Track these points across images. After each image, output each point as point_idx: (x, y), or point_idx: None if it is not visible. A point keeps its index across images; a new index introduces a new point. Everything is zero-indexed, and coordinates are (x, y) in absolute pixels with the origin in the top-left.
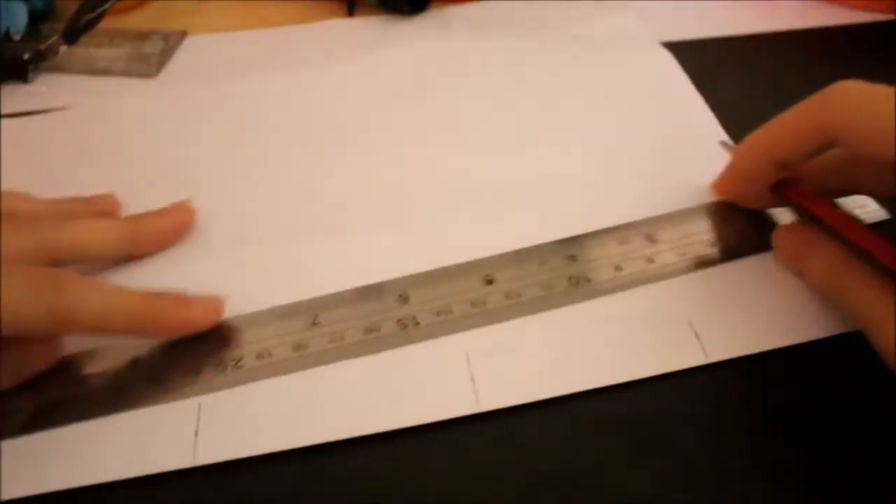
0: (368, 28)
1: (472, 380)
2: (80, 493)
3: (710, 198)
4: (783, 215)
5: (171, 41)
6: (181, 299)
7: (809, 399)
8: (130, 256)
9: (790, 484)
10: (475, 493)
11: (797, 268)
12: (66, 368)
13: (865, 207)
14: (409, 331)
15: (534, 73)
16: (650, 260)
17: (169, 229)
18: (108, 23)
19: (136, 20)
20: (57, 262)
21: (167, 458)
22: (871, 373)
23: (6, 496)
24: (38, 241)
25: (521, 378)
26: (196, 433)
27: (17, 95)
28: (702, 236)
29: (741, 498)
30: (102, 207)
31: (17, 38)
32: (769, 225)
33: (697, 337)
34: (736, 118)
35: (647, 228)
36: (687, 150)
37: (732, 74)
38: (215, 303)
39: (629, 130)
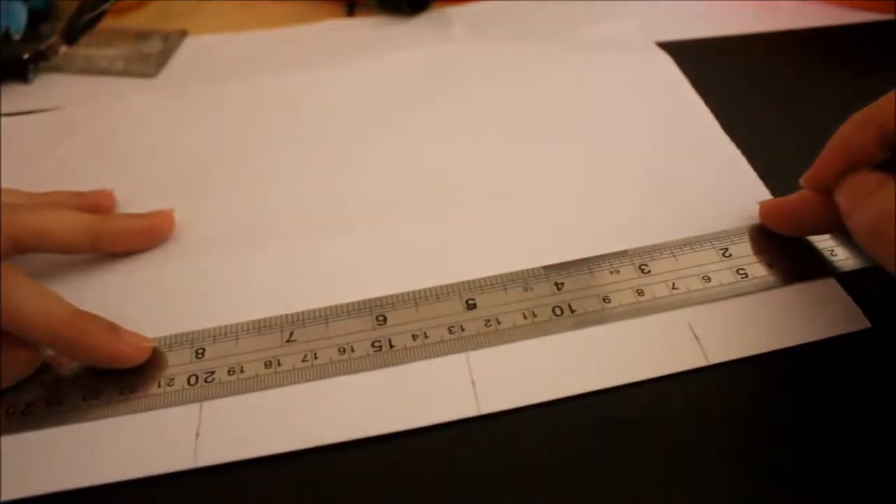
0: (368, 28)
1: (473, 383)
2: (82, 494)
3: (710, 227)
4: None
5: (171, 41)
6: (112, 329)
7: (809, 399)
8: (98, 252)
9: (790, 484)
10: (476, 494)
11: (849, 206)
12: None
13: (835, 256)
14: (382, 353)
15: (532, 75)
16: (640, 292)
17: (139, 231)
18: (107, 23)
19: (136, 20)
20: (21, 246)
21: (169, 459)
22: (871, 373)
23: (8, 496)
24: (4, 223)
25: (522, 381)
26: (197, 435)
27: (17, 95)
28: (696, 270)
29: (741, 498)
30: (97, 203)
31: (16, 37)
32: (772, 263)
33: (697, 339)
34: (735, 119)
35: (640, 258)
36: (687, 161)
37: (732, 74)
38: (144, 342)
39: (628, 139)
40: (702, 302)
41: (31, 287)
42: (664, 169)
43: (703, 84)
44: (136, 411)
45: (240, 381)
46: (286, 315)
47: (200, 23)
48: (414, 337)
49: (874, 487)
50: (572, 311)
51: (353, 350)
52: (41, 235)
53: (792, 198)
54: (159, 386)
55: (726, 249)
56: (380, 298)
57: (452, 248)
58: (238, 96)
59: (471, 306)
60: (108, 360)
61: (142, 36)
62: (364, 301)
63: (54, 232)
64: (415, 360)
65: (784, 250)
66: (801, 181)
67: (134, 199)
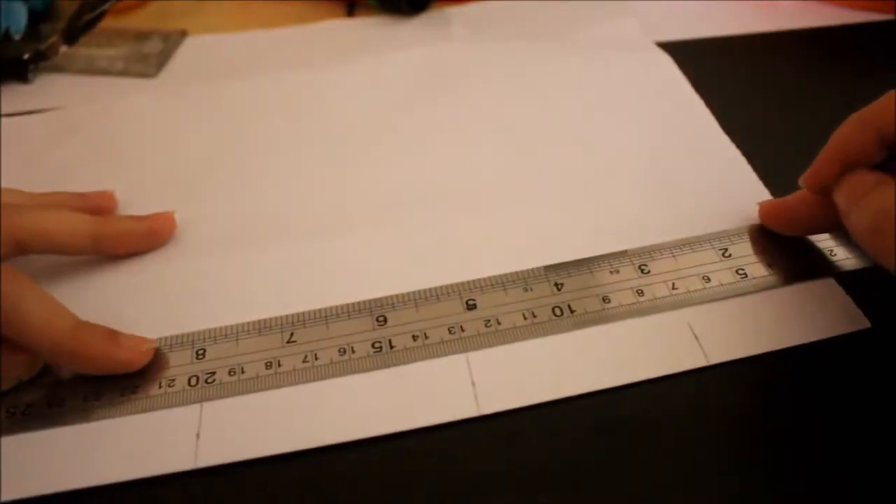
0: (368, 28)
1: (473, 384)
2: (82, 495)
3: (710, 227)
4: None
5: (171, 41)
6: (111, 337)
7: (809, 399)
8: (99, 254)
9: (790, 484)
10: (476, 494)
11: (848, 206)
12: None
13: (835, 256)
14: (383, 354)
15: (532, 75)
16: (639, 292)
17: (141, 234)
18: (107, 23)
19: (136, 20)
20: (23, 247)
21: (169, 460)
22: (871, 373)
23: (8, 496)
24: (5, 224)
25: (522, 381)
26: (198, 436)
27: (18, 95)
28: (696, 270)
29: (741, 498)
30: (98, 204)
31: (17, 37)
32: (773, 262)
33: (697, 339)
34: (735, 119)
35: (640, 258)
36: (687, 161)
37: (732, 74)
38: (144, 345)
39: (628, 139)
40: (702, 302)
41: (37, 297)
42: (664, 169)
43: (703, 84)
44: (136, 412)
45: (240, 382)
46: (286, 316)
47: (200, 23)
48: (414, 337)
49: (874, 487)
50: (572, 312)
51: (353, 351)
52: (43, 237)
53: (791, 198)
54: (160, 387)
55: (726, 249)
56: (380, 299)
57: (452, 248)
58: (238, 96)
59: (471, 307)
60: (108, 369)
61: (142, 36)
62: (364, 302)
63: (56, 233)
64: (415, 360)
65: (784, 250)
66: (800, 181)
67: (134, 199)
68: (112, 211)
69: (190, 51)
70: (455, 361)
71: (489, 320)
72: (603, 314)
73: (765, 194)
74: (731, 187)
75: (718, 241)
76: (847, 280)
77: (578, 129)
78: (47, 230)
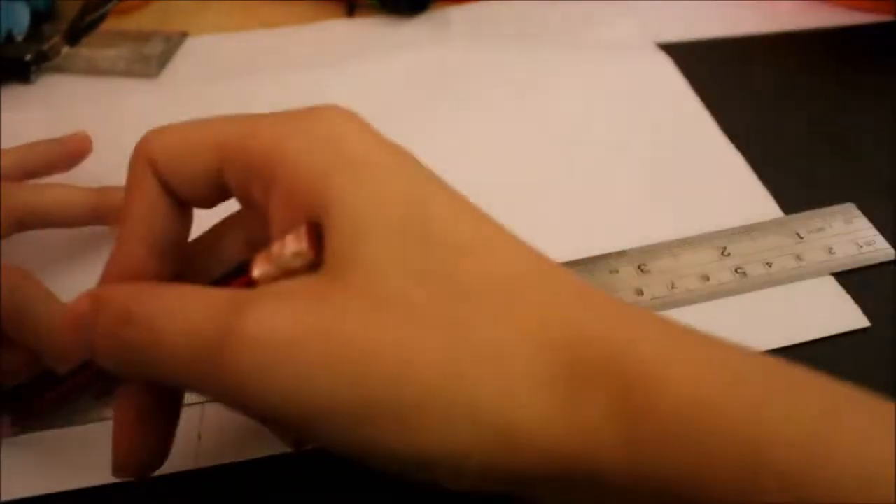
0: (368, 29)
1: None
2: (83, 495)
3: (709, 227)
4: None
5: (172, 42)
6: None
7: None
8: (99, 224)
9: None
10: (476, 493)
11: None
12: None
13: (874, 244)
14: None
15: (532, 76)
16: (639, 292)
17: None
18: (109, 24)
19: (138, 21)
20: (24, 224)
21: (170, 460)
22: (870, 372)
23: (8, 496)
24: (5, 205)
25: None
26: (199, 436)
27: (19, 95)
28: (695, 269)
29: None
30: (75, 147)
31: (19, 38)
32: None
33: None
34: (734, 119)
35: (640, 257)
36: (686, 161)
37: (731, 75)
38: None
39: (627, 139)
40: (700, 301)
41: (43, 299)
42: (664, 169)
43: (703, 84)
44: None
45: None
46: None
47: (202, 23)
48: None
49: None
50: None
51: None
52: (42, 212)
53: None
54: None
55: (725, 248)
56: None
57: None
58: (238, 96)
59: None
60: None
61: (143, 37)
62: None
63: (55, 206)
64: None
65: (782, 248)
66: None
67: None
68: (88, 152)
69: (191, 51)
70: None
71: None
72: None
73: (764, 193)
74: (729, 186)
75: (718, 240)
76: (846, 279)
77: (578, 129)
78: (46, 204)
